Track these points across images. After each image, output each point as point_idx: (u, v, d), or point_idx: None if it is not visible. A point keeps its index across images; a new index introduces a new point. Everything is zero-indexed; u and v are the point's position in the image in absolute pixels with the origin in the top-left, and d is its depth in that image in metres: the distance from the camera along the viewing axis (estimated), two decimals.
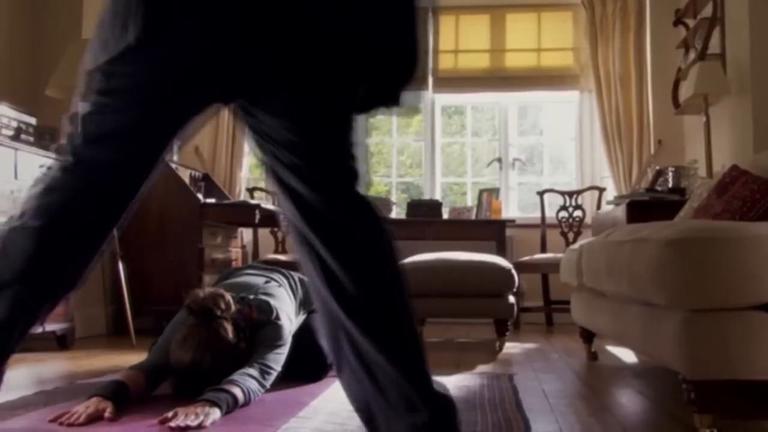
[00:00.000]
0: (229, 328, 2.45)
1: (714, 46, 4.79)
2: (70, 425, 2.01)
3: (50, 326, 4.01)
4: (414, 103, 1.76)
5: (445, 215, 5.85)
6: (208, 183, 5.94)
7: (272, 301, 2.65)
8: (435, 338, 4.75)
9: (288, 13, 1.43)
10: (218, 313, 2.42)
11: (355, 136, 1.59)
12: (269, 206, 5.48)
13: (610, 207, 4.98)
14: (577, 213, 5.91)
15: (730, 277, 1.90)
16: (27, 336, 1.69)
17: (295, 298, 2.95)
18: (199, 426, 1.98)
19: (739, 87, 4.46)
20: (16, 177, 3.74)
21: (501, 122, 6.51)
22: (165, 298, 4.95)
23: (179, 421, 1.98)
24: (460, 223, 5.70)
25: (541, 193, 6.03)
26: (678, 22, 5.45)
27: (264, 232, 6.13)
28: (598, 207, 5.83)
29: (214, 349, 2.37)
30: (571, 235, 5.86)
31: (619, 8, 5.95)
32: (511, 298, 4.14)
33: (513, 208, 6.38)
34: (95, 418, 2.07)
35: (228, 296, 2.50)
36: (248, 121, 1.57)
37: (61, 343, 4.12)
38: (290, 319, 2.73)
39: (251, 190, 6.21)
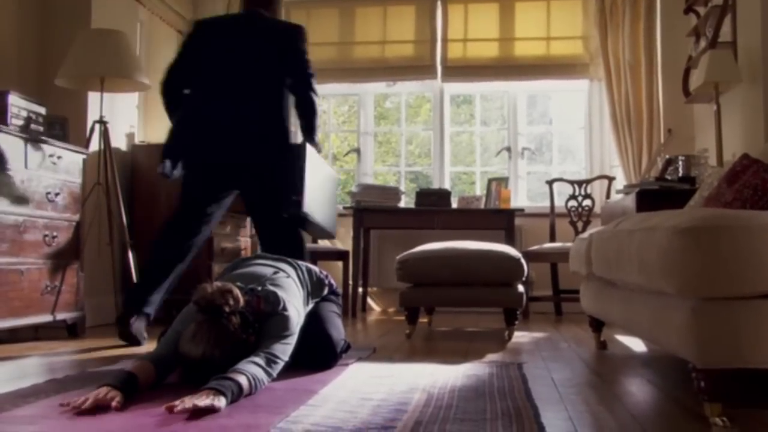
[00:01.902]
0: (237, 322, 2.45)
1: (725, 34, 4.75)
2: (77, 413, 2.02)
3: (61, 315, 4.03)
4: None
5: (454, 204, 5.85)
6: None
7: (280, 292, 2.65)
8: (444, 327, 4.76)
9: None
10: (226, 309, 2.42)
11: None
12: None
13: (620, 196, 4.96)
14: (587, 202, 5.90)
15: (740, 266, 1.89)
16: None
17: (303, 288, 2.96)
18: (211, 409, 1.99)
19: (750, 75, 4.43)
20: (26, 167, 3.76)
21: (510, 111, 6.50)
22: (174, 288, 4.96)
23: (186, 405, 1.98)
24: (469, 213, 5.70)
25: (550, 182, 6.02)
26: (689, 9, 5.42)
27: None
28: (608, 196, 5.82)
29: (224, 345, 2.37)
30: (580, 225, 5.85)
31: None
32: (521, 288, 4.14)
33: (522, 197, 6.37)
34: (103, 407, 2.08)
35: (236, 290, 2.49)
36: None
37: (72, 331, 4.14)
38: (298, 310, 2.73)
39: None
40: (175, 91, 3.72)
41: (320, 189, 3.69)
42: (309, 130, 3.73)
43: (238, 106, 3.58)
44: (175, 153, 3.59)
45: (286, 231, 3.67)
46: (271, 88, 3.63)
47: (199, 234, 3.70)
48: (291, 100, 3.73)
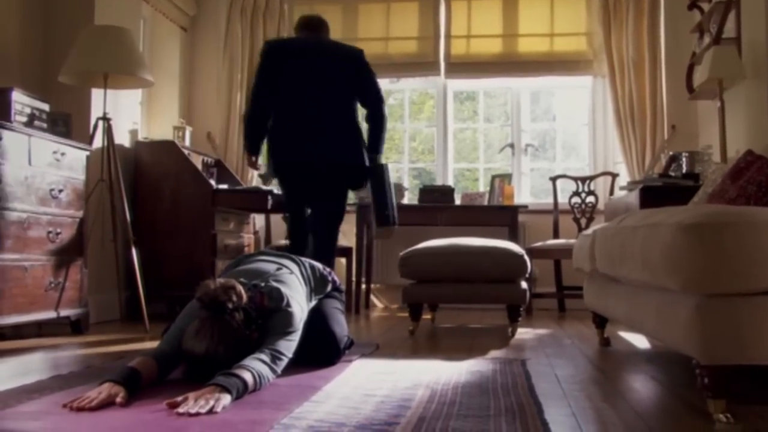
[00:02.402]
0: (241, 319, 2.45)
1: (729, 30, 4.74)
2: (81, 409, 2.02)
3: (65, 311, 4.04)
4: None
5: (458, 201, 5.85)
6: (220, 169, 5.96)
7: (283, 289, 2.65)
8: (447, 324, 4.76)
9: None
10: (229, 305, 2.42)
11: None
12: (281, 192, 5.48)
13: (623, 193, 4.96)
14: (590, 199, 5.89)
15: (744, 262, 1.89)
16: None
17: (306, 284, 2.96)
18: (210, 411, 1.98)
19: (754, 71, 4.42)
20: (29, 163, 3.76)
21: (513, 108, 6.49)
22: (178, 284, 4.97)
23: (189, 407, 1.98)
24: (473, 209, 5.70)
25: (553, 179, 6.01)
26: (693, 5, 5.40)
27: (276, 218, 6.14)
28: (611, 193, 5.81)
29: (227, 341, 2.38)
30: (583, 221, 5.84)
31: None
32: (524, 284, 4.14)
33: (525, 193, 6.36)
34: (107, 403, 2.08)
35: (239, 287, 2.49)
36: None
37: (76, 328, 4.15)
38: (301, 307, 2.73)
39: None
40: (263, 107, 4.15)
41: (395, 200, 4.27)
42: (376, 142, 4.19)
43: (318, 118, 4.07)
44: (273, 157, 4.19)
45: (330, 229, 4.16)
46: (344, 102, 4.16)
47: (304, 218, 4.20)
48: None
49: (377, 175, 4.17)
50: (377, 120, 4.18)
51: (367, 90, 4.20)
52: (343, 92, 4.16)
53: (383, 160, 4.28)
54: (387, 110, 4.25)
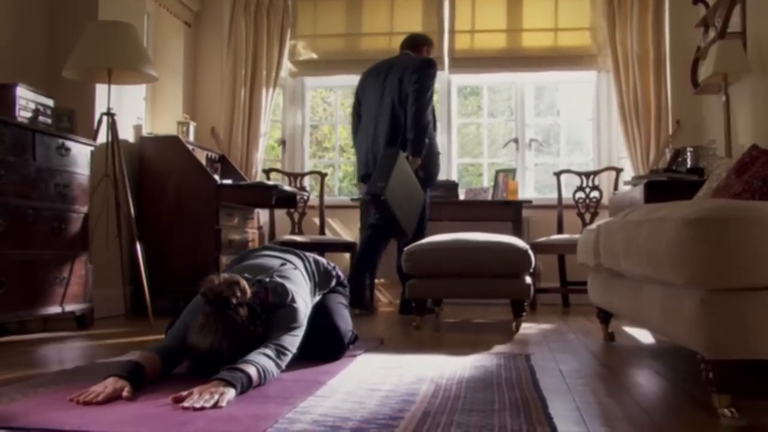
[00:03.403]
0: (245, 314, 2.45)
1: (734, 24, 4.73)
2: (87, 403, 2.03)
3: (70, 307, 4.05)
4: None
5: (462, 196, 5.84)
6: (224, 164, 5.96)
7: (288, 284, 2.65)
8: (452, 319, 4.76)
9: None
10: (234, 301, 2.42)
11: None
12: (286, 187, 5.49)
13: (628, 188, 4.95)
14: (594, 194, 5.88)
15: (749, 257, 1.88)
16: None
17: (310, 280, 2.96)
18: (215, 405, 1.99)
19: (759, 65, 4.41)
20: (34, 159, 3.77)
21: (517, 103, 6.48)
22: (182, 279, 4.99)
23: (194, 402, 1.98)
24: (477, 204, 5.69)
25: (557, 174, 6.00)
26: (697, 0, 5.38)
27: (280, 213, 6.14)
28: (615, 188, 5.80)
29: (231, 337, 2.38)
30: (587, 216, 5.84)
31: None
32: (528, 279, 4.14)
33: (529, 188, 6.36)
34: (113, 397, 2.09)
35: (243, 282, 2.49)
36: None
37: (81, 323, 4.16)
38: (305, 302, 2.73)
39: (267, 172, 6.22)
40: (355, 121, 5.11)
41: (403, 193, 4.55)
42: (411, 144, 4.69)
43: (372, 130, 4.84)
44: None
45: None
46: (394, 114, 4.75)
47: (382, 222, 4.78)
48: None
49: (392, 156, 4.55)
50: (410, 125, 4.65)
51: (410, 97, 4.67)
52: (397, 105, 4.71)
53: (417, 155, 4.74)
54: (426, 118, 4.64)
